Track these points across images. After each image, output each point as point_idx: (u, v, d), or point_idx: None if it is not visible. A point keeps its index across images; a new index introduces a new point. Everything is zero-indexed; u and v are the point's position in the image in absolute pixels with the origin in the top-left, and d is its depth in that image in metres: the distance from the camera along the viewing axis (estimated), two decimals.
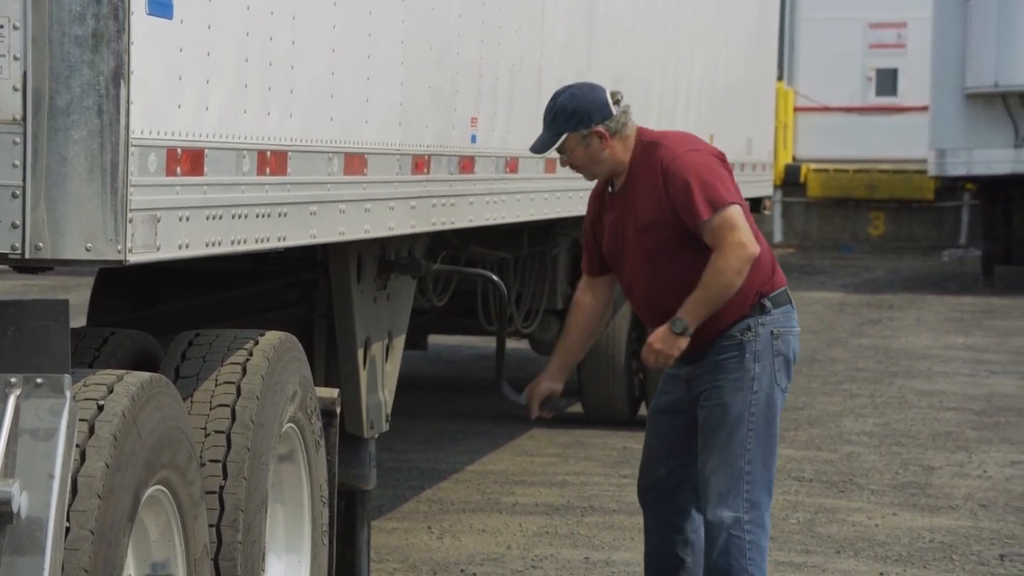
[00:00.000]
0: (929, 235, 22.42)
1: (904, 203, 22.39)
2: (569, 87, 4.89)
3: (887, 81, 22.34)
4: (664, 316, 4.79)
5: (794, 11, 22.27)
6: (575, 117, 4.76)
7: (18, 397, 3.23)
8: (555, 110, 4.80)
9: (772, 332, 4.78)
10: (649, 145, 4.80)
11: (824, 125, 22.49)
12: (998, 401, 9.97)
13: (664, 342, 4.71)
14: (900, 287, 17.40)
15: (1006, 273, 17.66)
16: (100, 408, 3.35)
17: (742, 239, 4.64)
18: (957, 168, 16.67)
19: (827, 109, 22.48)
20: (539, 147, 4.86)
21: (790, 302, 4.86)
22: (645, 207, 4.77)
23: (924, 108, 17.71)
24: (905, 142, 21.14)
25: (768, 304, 4.77)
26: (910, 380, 10.80)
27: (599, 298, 5.02)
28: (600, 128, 4.76)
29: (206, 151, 3.62)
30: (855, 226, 22.77)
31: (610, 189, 4.89)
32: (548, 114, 4.83)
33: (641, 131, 4.86)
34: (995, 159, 16.19)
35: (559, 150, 4.83)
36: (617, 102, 4.82)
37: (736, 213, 4.66)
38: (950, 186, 21.30)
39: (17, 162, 3.23)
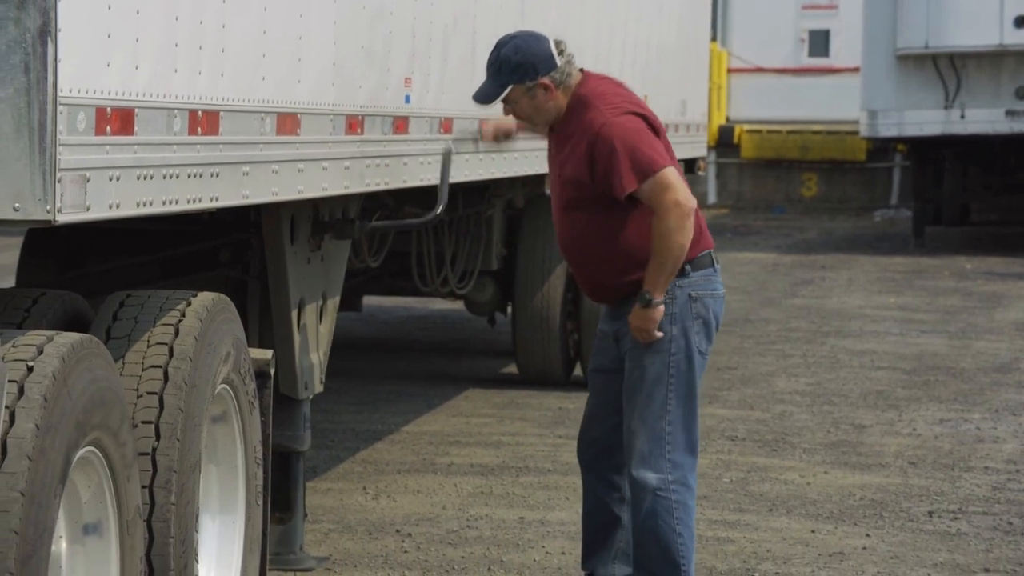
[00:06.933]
0: (861, 196, 22.58)
1: (836, 164, 22.52)
2: (513, 37, 4.80)
3: (819, 42, 22.43)
4: (576, 264, 4.85)
5: None
6: (520, 69, 4.71)
7: None
8: (499, 61, 4.73)
9: (690, 295, 4.76)
10: (583, 99, 4.75)
11: (757, 86, 22.56)
12: (928, 360, 10.08)
13: (637, 318, 4.72)
14: (832, 248, 17.53)
15: (936, 234, 17.83)
16: (30, 369, 3.31)
17: (676, 197, 4.64)
18: (888, 129, 16.76)
19: (761, 70, 22.55)
20: (483, 98, 4.79)
21: (713, 265, 4.83)
22: (570, 162, 4.76)
23: (856, 69, 17.78)
24: (837, 103, 21.24)
25: (687, 267, 4.76)
26: (842, 340, 10.90)
27: None
28: (545, 80, 4.72)
29: (136, 110, 3.58)
30: (788, 187, 22.88)
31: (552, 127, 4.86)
32: (492, 65, 4.75)
33: (583, 78, 4.79)
34: (926, 120, 16.30)
35: (504, 101, 4.78)
36: (561, 52, 4.77)
37: (667, 174, 4.65)
38: (882, 147, 21.43)
39: None
